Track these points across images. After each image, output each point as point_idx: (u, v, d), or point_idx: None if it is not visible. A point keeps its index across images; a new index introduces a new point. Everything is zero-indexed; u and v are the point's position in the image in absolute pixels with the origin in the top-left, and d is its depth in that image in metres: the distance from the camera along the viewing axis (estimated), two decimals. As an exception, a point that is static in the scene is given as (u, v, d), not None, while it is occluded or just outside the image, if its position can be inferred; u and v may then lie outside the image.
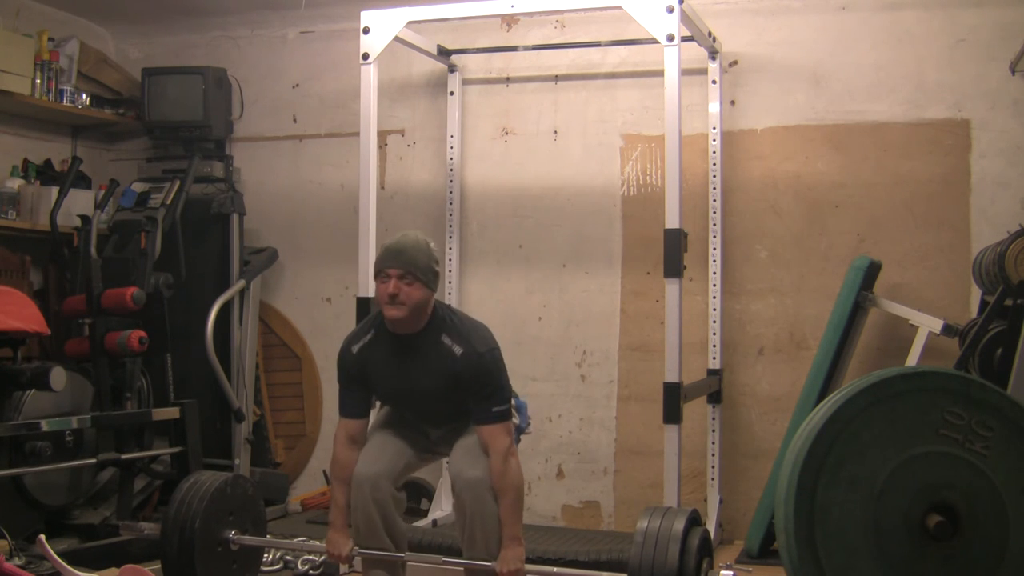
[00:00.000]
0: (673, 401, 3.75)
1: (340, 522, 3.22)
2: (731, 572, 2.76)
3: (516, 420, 3.25)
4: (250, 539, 3.46)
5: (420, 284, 3.05)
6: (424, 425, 3.32)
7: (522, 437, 3.37)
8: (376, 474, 3.14)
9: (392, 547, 3.18)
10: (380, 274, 3.08)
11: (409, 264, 3.04)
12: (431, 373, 3.12)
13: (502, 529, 3.07)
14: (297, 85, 5.43)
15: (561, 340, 4.90)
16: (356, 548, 3.20)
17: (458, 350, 3.09)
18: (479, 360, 3.08)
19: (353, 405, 3.26)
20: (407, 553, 3.22)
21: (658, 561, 2.66)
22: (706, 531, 2.85)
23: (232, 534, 3.39)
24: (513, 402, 3.24)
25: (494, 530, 3.08)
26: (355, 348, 3.23)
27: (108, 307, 4.42)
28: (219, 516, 3.37)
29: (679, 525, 2.73)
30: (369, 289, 3.98)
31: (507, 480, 3.05)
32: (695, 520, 2.83)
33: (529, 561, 3.89)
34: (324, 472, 5.29)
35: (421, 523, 4.51)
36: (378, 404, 3.44)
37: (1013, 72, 4.31)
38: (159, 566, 3.38)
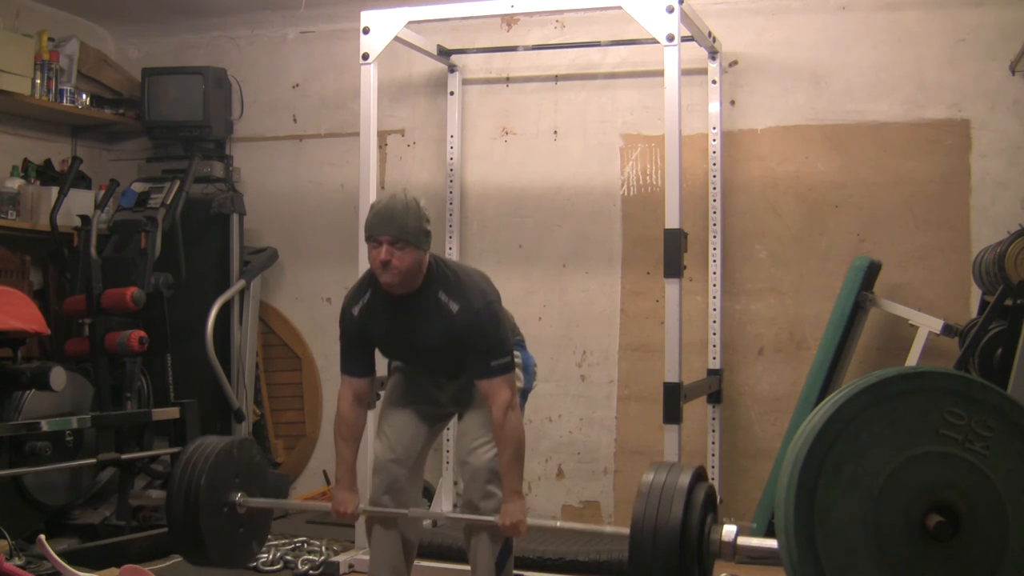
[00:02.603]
0: (673, 401, 3.75)
1: (347, 480, 3.23)
2: (734, 529, 2.73)
3: (520, 383, 3.24)
4: (257, 501, 3.40)
5: (412, 248, 3.01)
6: (433, 379, 3.29)
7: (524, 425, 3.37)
8: (397, 479, 3.18)
9: (401, 555, 3.20)
10: (371, 239, 3.03)
11: (400, 230, 2.98)
12: (430, 330, 3.10)
13: (503, 482, 3.06)
14: (297, 85, 5.43)
15: (561, 340, 4.90)
16: (361, 506, 3.21)
17: (454, 307, 3.06)
18: (476, 317, 3.05)
19: (357, 364, 3.24)
20: (411, 509, 3.19)
21: (662, 515, 2.63)
22: (711, 487, 2.82)
23: (238, 497, 3.35)
24: (519, 359, 3.23)
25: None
26: (355, 311, 3.21)
27: (108, 307, 4.42)
28: (225, 478, 3.32)
29: (684, 480, 2.71)
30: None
31: (507, 432, 3.04)
32: (700, 476, 2.80)
33: (529, 562, 3.92)
34: (324, 472, 5.29)
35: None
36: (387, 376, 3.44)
37: (1013, 72, 4.31)
38: (159, 566, 3.38)
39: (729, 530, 2.71)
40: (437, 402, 3.32)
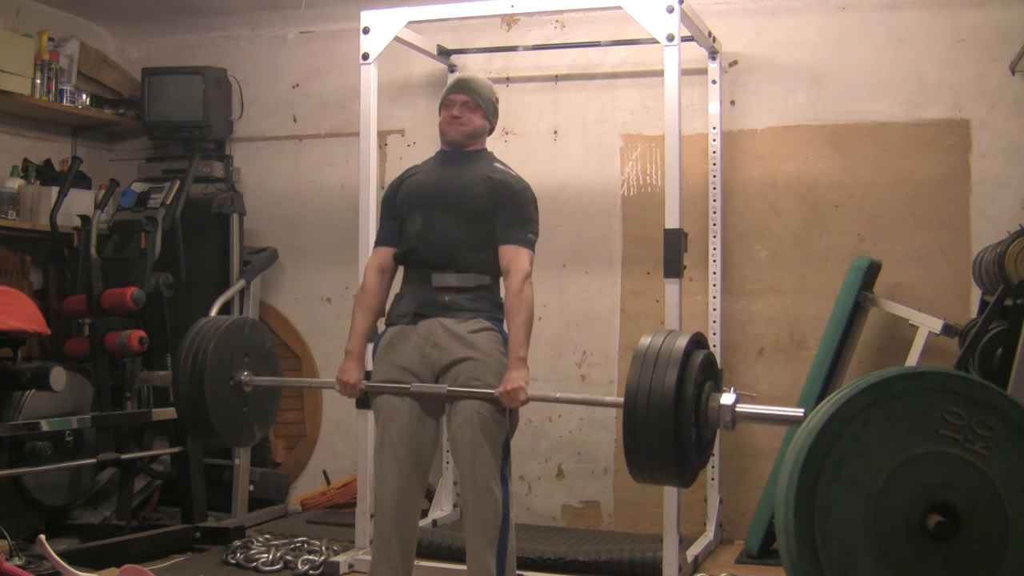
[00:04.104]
0: (673, 401, 3.74)
1: (356, 352, 3.30)
2: (734, 396, 2.66)
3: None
4: (262, 379, 3.43)
5: (481, 113, 3.35)
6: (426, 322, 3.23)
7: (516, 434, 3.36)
8: (402, 525, 3.19)
9: (398, 556, 3.19)
10: (444, 103, 3.38)
11: (473, 92, 3.35)
12: (477, 181, 3.27)
13: (511, 349, 3.14)
14: (297, 85, 5.43)
15: (561, 340, 4.90)
16: (364, 382, 3.24)
17: (513, 174, 3.34)
18: (528, 191, 3.31)
19: (386, 233, 3.39)
20: (413, 384, 3.18)
21: (656, 381, 2.58)
22: (710, 354, 2.75)
23: (245, 375, 3.37)
24: None
25: (492, 520, 3.11)
26: (401, 174, 3.46)
27: (108, 307, 4.42)
28: (233, 352, 3.36)
29: (681, 344, 2.62)
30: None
31: (522, 299, 3.19)
32: (699, 343, 2.74)
33: (529, 562, 3.92)
34: (324, 472, 5.29)
35: (421, 523, 4.50)
36: (372, 433, 3.38)
37: (1013, 72, 4.31)
38: (159, 566, 3.38)
39: (728, 396, 2.65)
40: (417, 378, 3.21)
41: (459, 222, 3.25)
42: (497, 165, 3.35)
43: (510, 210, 3.24)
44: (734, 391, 2.69)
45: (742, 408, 2.63)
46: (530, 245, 3.25)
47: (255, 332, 3.51)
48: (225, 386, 3.33)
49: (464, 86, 3.36)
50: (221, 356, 3.31)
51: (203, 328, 3.36)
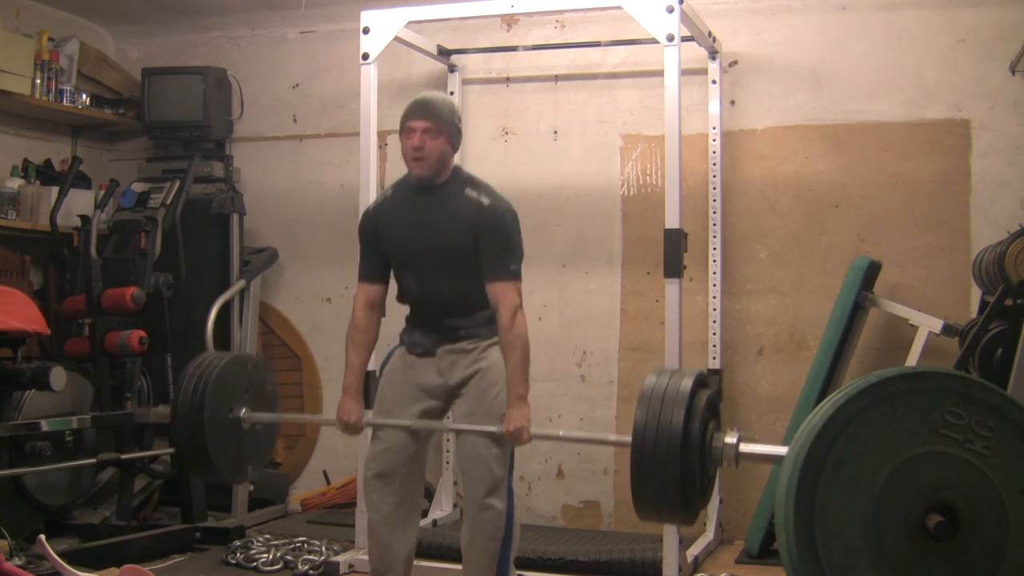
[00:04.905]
0: (673, 401, 3.74)
1: (354, 389, 3.24)
2: (735, 436, 2.71)
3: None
4: (260, 415, 3.40)
5: (444, 138, 3.12)
6: (429, 342, 3.23)
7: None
8: (399, 542, 3.19)
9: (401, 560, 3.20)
10: (404, 129, 3.14)
11: (434, 116, 3.11)
12: (452, 221, 3.13)
13: (509, 388, 3.07)
14: (297, 85, 5.43)
15: (561, 340, 4.90)
16: (365, 418, 3.22)
17: (486, 201, 3.13)
18: (503, 215, 3.13)
19: (370, 269, 3.28)
20: (415, 421, 3.17)
21: (663, 421, 2.63)
22: (713, 393, 2.79)
23: (243, 412, 3.34)
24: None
25: (494, 533, 3.11)
26: (374, 206, 3.30)
27: (108, 307, 4.43)
28: (235, 385, 3.32)
29: (686, 385, 2.66)
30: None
31: (515, 335, 3.07)
32: (702, 382, 2.79)
33: (529, 562, 3.92)
34: (324, 472, 5.29)
35: (421, 523, 4.50)
36: (370, 435, 3.37)
37: (1013, 72, 4.31)
38: (159, 566, 3.38)
39: (731, 436, 2.70)
40: (430, 395, 3.24)
41: (450, 274, 3.17)
42: (469, 193, 3.15)
43: (489, 242, 3.10)
44: (736, 431, 2.74)
45: (745, 448, 2.68)
46: (514, 276, 3.13)
47: (257, 371, 3.47)
48: (224, 418, 3.29)
49: (424, 110, 3.12)
50: (223, 387, 3.27)
51: (207, 358, 3.32)
